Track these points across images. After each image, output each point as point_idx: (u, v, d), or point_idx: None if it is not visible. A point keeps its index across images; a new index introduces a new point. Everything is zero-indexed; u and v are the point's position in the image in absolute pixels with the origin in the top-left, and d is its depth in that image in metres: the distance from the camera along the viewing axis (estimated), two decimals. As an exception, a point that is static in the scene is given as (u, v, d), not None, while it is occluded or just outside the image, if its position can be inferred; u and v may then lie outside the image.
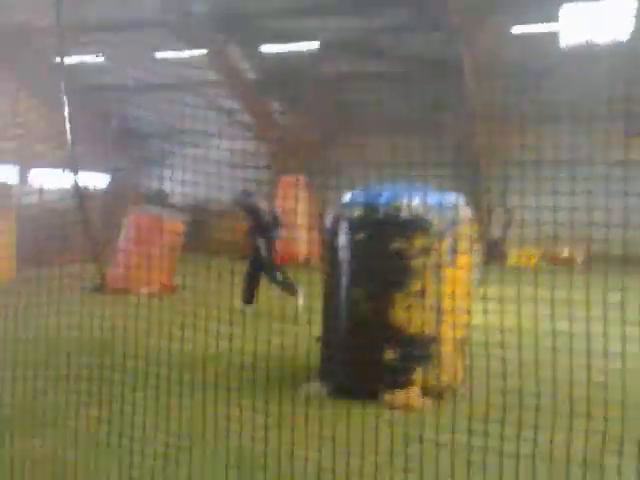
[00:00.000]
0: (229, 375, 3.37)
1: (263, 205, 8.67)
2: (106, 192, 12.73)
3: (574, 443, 2.72)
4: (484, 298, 3.05)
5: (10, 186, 13.28)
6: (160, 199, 10.39)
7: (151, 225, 8.60)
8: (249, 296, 8.19)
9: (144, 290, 7.06)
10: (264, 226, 8.53)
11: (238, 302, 7.56)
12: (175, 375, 3.40)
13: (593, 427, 2.68)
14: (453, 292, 4.17)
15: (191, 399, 3.29)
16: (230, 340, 3.26)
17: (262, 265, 8.39)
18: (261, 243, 8.40)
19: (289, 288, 7.98)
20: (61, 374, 3.59)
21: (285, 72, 18.83)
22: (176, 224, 9.74)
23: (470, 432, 2.76)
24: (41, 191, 4.46)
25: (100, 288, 8.19)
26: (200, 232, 10.00)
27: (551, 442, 2.77)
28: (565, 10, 14.29)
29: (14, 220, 9.46)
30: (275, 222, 8.64)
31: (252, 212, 8.49)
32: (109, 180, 15.81)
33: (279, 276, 8.35)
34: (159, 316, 3.56)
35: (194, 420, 3.26)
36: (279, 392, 3.38)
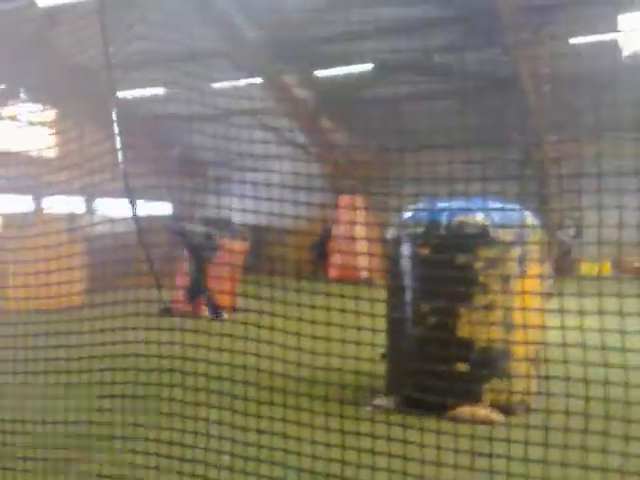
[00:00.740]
0: (297, 393, 3.38)
1: (198, 228, 9.26)
2: (170, 218, 13.07)
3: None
4: (558, 310, 2.97)
5: (78, 215, 13.85)
6: (222, 222, 10.57)
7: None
8: (213, 310, 8.65)
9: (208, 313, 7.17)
10: (195, 248, 8.93)
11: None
12: (242, 393, 3.41)
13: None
14: (523, 304, 4.07)
15: (257, 418, 3.29)
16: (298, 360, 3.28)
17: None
18: (192, 264, 9.01)
19: (213, 310, 8.47)
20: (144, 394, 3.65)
21: (341, 94, 18.99)
22: (238, 245, 9.88)
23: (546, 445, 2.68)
24: (106, 220, 4.60)
25: (168, 312, 8.34)
26: (263, 253, 10.11)
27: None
28: (624, 19, 13.99)
29: (81, 247, 9.87)
30: (209, 244, 9.13)
31: (182, 235, 9.10)
32: (172, 207, 16.21)
33: (205, 297, 8.82)
34: (226, 338, 3.59)
35: (265, 439, 3.25)
36: (350, 409, 3.36)
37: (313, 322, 3.27)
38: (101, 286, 4.81)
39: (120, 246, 4.41)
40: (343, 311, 3.25)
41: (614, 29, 14.10)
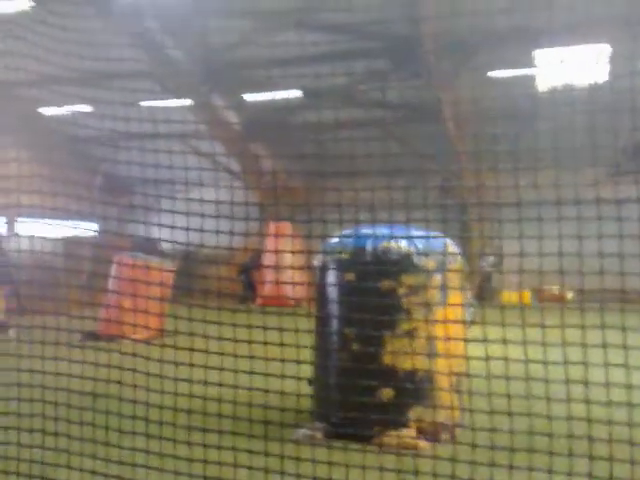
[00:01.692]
0: (220, 420, 3.35)
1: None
2: (95, 240, 12.76)
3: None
4: (476, 338, 3.08)
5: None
6: (149, 246, 10.42)
7: (140, 270, 8.58)
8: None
9: (136, 336, 7.02)
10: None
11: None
12: (162, 419, 3.37)
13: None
14: (445, 330, 4.20)
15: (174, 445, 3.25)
16: (220, 385, 3.26)
17: None
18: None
19: None
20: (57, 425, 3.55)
21: (270, 120, 19.11)
22: (165, 269, 9.73)
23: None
24: (30, 239, 4.47)
25: (93, 337, 8.11)
26: (190, 278, 10.01)
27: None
28: (540, 55, 14.72)
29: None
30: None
31: None
32: (98, 228, 15.82)
33: None
34: (151, 363, 3.54)
35: (185, 466, 3.21)
36: (274, 440, 3.36)
37: (234, 351, 3.28)
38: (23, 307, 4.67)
39: (43, 267, 4.31)
40: (265, 343, 3.25)
41: (531, 64, 14.81)
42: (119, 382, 3.48)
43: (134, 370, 3.47)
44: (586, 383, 2.82)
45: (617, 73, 12.35)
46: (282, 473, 3.04)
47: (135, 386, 3.44)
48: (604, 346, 2.78)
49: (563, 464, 2.81)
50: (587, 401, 2.82)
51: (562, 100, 3.60)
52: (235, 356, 3.27)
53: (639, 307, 2.70)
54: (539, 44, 14.00)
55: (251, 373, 3.24)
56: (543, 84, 15.52)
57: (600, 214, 2.91)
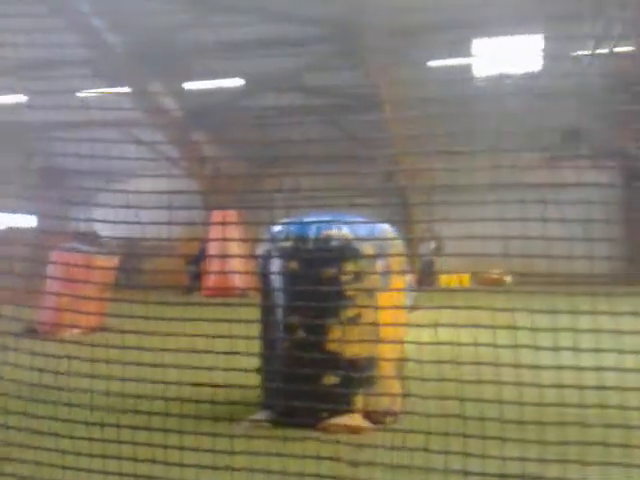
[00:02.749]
0: (166, 413, 3.32)
1: None
2: (33, 231, 12.42)
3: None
4: (418, 322, 3.15)
5: None
6: (89, 237, 10.21)
7: (80, 263, 8.40)
8: None
9: (75, 331, 6.88)
10: None
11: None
12: (109, 418, 3.32)
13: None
14: (388, 315, 4.28)
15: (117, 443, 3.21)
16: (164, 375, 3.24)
17: None
18: None
19: None
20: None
21: (211, 108, 18.92)
22: (106, 261, 9.55)
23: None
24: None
25: (31, 332, 7.91)
26: (133, 269, 9.89)
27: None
28: (477, 45, 15.04)
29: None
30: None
31: None
32: (37, 219, 15.39)
33: None
34: (91, 357, 3.47)
35: (130, 465, 3.16)
36: (221, 425, 3.36)
37: (180, 338, 3.26)
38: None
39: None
40: (212, 336, 3.21)
41: (468, 54, 15.11)
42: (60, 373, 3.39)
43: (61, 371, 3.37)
44: (516, 366, 2.91)
45: (550, 62, 12.71)
46: (233, 468, 3.05)
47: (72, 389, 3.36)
48: (532, 329, 2.87)
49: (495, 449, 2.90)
50: (519, 383, 2.94)
51: (498, 87, 3.70)
52: (177, 351, 3.25)
53: (570, 289, 2.82)
54: (476, 34, 14.29)
55: (196, 368, 3.23)
56: (480, 72, 15.84)
57: (541, 198, 2.99)
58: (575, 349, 2.80)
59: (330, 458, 3.03)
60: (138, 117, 17.89)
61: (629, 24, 14.38)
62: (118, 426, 3.21)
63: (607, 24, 13.79)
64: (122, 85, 17.38)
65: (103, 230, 3.83)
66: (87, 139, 3.71)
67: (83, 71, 15.73)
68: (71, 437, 3.27)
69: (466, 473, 2.85)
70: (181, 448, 3.10)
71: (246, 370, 3.33)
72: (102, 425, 3.22)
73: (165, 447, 3.11)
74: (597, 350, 2.79)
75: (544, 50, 13.93)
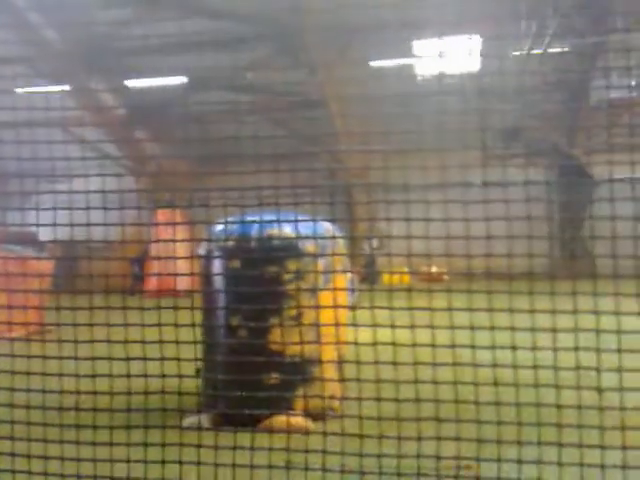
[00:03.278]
0: (102, 416, 3.26)
1: None
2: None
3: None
4: (357, 321, 3.19)
5: None
6: (24, 238, 9.96)
7: (14, 265, 8.18)
8: None
9: (11, 334, 6.70)
10: None
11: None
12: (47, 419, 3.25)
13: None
14: (330, 314, 4.32)
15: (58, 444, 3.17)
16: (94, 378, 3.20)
17: None
18: None
19: None
20: None
21: (154, 106, 18.67)
22: (43, 263, 9.33)
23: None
24: None
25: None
26: (71, 270, 9.67)
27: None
28: (418, 45, 15.28)
29: None
30: None
31: None
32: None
33: None
34: (28, 360, 3.39)
35: (69, 466, 3.12)
36: (156, 431, 3.32)
37: (116, 341, 3.22)
38: None
39: None
40: (153, 342, 3.18)
41: (410, 54, 15.33)
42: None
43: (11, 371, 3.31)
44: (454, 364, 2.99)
45: (487, 63, 13.02)
46: (170, 461, 3.03)
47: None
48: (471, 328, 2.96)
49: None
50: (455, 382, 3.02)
51: (438, 87, 3.76)
52: (110, 359, 3.21)
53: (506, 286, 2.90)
54: (417, 35, 14.50)
55: (128, 376, 3.19)
56: (421, 72, 16.09)
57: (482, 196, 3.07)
58: (513, 347, 2.89)
59: (261, 449, 3.05)
60: (80, 115, 17.52)
61: (564, 24, 14.86)
62: (61, 426, 3.16)
63: (542, 24, 14.22)
64: (62, 83, 16.98)
65: (41, 232, 3.74)
66: (28, 140, 3.62)
67: (22, 69, 15.30)
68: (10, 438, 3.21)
69: (399, 475, 2.92)
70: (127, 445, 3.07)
71: (182, 376, 3.29)
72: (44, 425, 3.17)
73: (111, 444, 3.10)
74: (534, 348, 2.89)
75: (482, 50, 14.25)
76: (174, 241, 3.76)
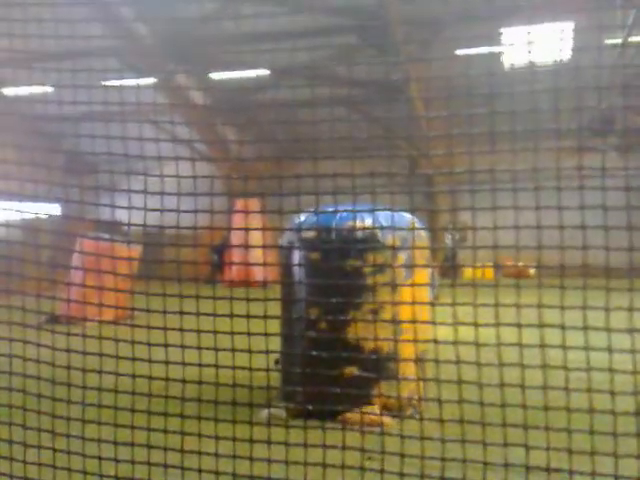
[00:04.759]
0: (183, 404, 3.27)
1: None
2: (58, 221, 12.52)
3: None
4: (437, 317, 3.07)
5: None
6: (112, 226, 10.27)
7: (104, 252, 8.46)
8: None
9: (99, 318, 6.91)
10: None
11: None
12: (126, 405, 3.28)
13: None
14: (410, 308, 4.21)
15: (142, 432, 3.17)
16: (184, 365, 3.20)
17: None
18: None
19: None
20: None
21: (237, 98, 18.92)
22: (130, 250, 9.60)
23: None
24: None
25: (54, 319, 7.96)
26: (156, 259, 9.90)
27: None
28: (507, 33, 14.79)
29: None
30: None
31: None
32: (61, 209, 15.55)
33: None
34: (115, 344, 3.44)
35: (152, 454, 3.12)
36: (240, 418, 3.32)
37: (202, 331, 3.21)
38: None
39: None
40: (233, 333, 3.15)
41: (498, 43, 14.87)
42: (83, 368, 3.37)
43: (100, 354, 3.36)
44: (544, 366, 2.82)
45: (580, 50, 12.44)
46: (251, 458, 3.00)
47: (84, 370, 3.33)
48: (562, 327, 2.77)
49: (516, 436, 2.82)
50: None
51: (527, 77, 3.59)
52: (199, 348, 3.21)
53: (602, 282, 2.68)
54: (506, 22, 14.04)
55: (216, 366, 3.18)
56: (509, 62, 15.60)
57: (579, 185, 2.88)
58: (607, 349, 2.69)
59: (352, 448, 2.98)
60: (166, 107, 17.97)
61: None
62: (133, 411, 3.19)
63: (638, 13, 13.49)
64: (149, 75, 17.45)
65: (126, 218, 3.80)
66: (114, 125, 3.68)
67: (110, 62, 15.82)
68: (83, 421, 3.25)
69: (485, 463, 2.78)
70: (199, 435, 3.07)
71: (267, 370, 3.26)
72: (116, 409, 3.21)
73: (182, 434, 3.09)
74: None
75: (574, 38, 13.67)
76: (254, 230, 3.73)
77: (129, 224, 3.78)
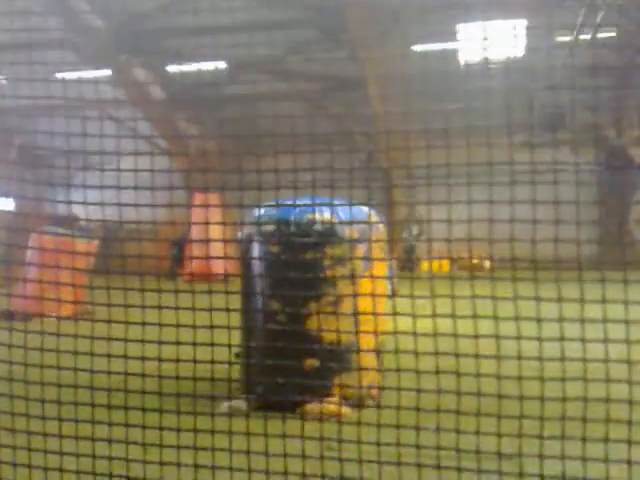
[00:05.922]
0: (143, 397, 3.27)
1: None
2: (11, 214, 12.29)
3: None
4: (396, 309, 3.13)
5: None
6: (67, 220, 10.12)
7: (58, 246, 8.33)
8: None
9: (54, 314, 6.82)
10: None
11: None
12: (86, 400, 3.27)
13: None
14: (369, 300, 4.27)
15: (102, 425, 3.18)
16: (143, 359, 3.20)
17: None
18: None
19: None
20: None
21: (194, 90, 18.77)
22: (86, 244, 9.48)
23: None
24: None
25: (8, 315, 7.84)
26: (112, 253, 9.81)
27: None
28: (462, 29, 15.00)
29: None
30: None
31: None
32: (14, 202, 15.22)
33: None
34: (72, 340, 3.42)
35: (113, 448, 3.13)
36: (202, 410, 3.33)
37: (160, 324, 3.21)
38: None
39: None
40: (195, 327, 3.16)
41: (453, 39, 15.06)
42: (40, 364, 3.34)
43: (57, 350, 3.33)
44: (498, 357, 2.91)
45: (533, 47, 12.71)
46: (212, 449, 3.03)
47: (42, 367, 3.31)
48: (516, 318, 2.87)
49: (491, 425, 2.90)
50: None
51: (482, 73, 3.66)
52: (160, 343, 3.21)
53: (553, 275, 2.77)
54: (461, 18, 14.23)
55: (177, 361, 3.19)
56: (464, 58, 15.82)
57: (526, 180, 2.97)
58: (560, 339, 2.80)
59: (311, 438, 3.03)
60: (120, 98, 17.69)
61: (612, 11, 14.43)
62: (93, 405, 3.18)
63: (589, 11, 13.83)
64: (104, 67, 17.18)
65: (82, 213, 3.76)
66: (68, 121, 3.64)
67: (64, 54, 15.51)
68: (42, 418, 3.23)
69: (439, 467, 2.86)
70: (160, 428, 3.08)
71: (229, 363, 3.28)
72: (75, 404, 3.19)
73: (144, 427, 3.09)
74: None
75: (527, 36, 13.93)
76: (213, 224, 3.74)
77: (87, 219, 3.74)
